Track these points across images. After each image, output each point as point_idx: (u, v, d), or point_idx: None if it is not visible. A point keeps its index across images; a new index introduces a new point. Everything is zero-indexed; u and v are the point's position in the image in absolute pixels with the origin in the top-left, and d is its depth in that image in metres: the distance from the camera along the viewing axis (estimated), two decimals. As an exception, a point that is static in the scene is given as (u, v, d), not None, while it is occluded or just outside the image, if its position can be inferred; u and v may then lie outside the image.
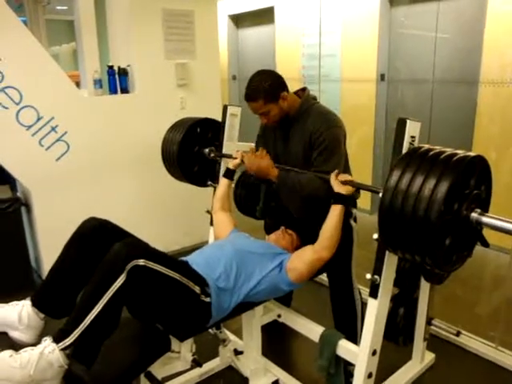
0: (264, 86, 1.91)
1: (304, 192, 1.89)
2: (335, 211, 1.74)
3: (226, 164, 2.36)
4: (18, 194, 3.08)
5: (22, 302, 1.56)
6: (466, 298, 2.85)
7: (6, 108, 2.70)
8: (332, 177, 1.76)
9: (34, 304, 1.55)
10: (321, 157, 1.89)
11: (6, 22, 2.64)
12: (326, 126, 1.91)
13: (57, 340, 1.31)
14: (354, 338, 1.93)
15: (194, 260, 1.73)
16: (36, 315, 1.54)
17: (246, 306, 1.78)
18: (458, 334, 2.27)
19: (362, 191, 1.97)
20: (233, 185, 2.51)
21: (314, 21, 4.57)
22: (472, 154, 1.30)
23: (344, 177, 1.76)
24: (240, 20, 5.94)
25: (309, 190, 1.88)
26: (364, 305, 1.84)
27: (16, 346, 1.42)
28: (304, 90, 2.07)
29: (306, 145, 1.95)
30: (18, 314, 1.51)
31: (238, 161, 2.16)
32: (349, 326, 2.08)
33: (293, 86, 2.06)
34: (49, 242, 2.92)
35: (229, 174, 2.21)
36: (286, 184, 1.92)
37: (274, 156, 2.12)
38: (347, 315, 2.13)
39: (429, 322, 2.11)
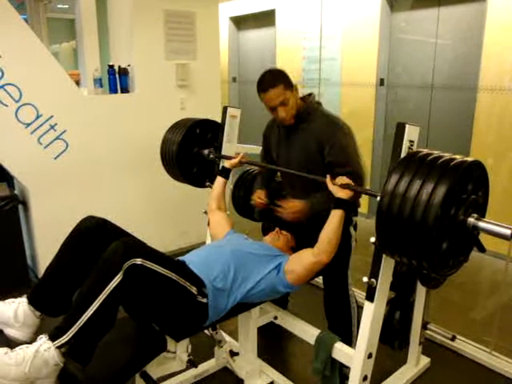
0: (281, 73, 1.95)
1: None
2: (335, 216, 1.72)
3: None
4: (16, 192, 3.07)
5: (19, 299, 1.55)
6: (462, 303, 2.85)
7: (6, 105, 2.70)
8: (328, 181, 1.74)
9: (30, 302, 1.54)
10: (338, 160, 1.90)
11: (8, 19, 2.64)
12: (334, 129, 1.93)
13: (52, 338, 1.31)
14: (348, 343, 1.93)
15: (191, 260, 1.74)
16: (32, 313, 1.53)
17: (243, 307, 1.78)
18: (453, 338, 2.27)
19: (360, 199, 1.98)
20: (231, 186, 2.52)
21: (315, 24, 4.59)
22: (470, 159, 1.31)
23: (341, 180, 1.74)
24: (241, 22, 5.95)
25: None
26: (360, 308, 1.85)
27: (11, 343, 1.41)
28: (310, 94, 2.08)
29: (312, 147, 1.95)
30: (14, 311, 1.51)
31: (236, 161, 2.17)
32: (343, 330, 2.08)
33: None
34: (45, 241, 2.92)
35: (224, 172, 2.22)
36: (321, 207, 1.91)
37: (276, 156, 2.14)
38: (341, 320, 2.13)
39: (424, 326, 2.12)
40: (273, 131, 2.18)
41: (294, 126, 2.03)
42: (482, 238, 1.37)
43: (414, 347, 2.13)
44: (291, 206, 1.97)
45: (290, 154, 2.04)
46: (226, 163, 2.23)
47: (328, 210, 1.76)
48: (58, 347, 1.30)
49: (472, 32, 3.51)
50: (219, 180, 2.22)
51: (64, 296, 1.58)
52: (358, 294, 2.46)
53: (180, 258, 1.78)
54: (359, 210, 2.12)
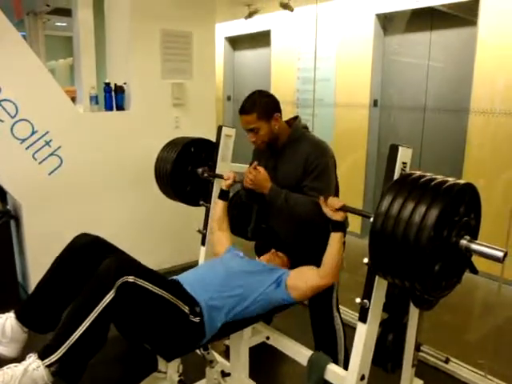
0: (261, 102, 1.95)
1: (292, 207, 1.89)
2: (336, 238, 1.73)
3: (219, 184, 2.37)
4: (8, 207, 3.05)
5: (6, 314, 1.54)
6: (455, 325, 2.85)
7: (2, 121, 2.70)
8: (322, 204, 1.73)
9: (18, 317, 1.52)
10: (312, 180, 1.91)
11: (6, 36, 2.67)
12: (319, 153, 1.94)
13: (42, 356, 1.29)
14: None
15: (185, 279, 1.73)
16: (20, 328, 1.52)
17: (236, 325, 1.77)
18: (446, 360, 2.26)
19: (349, 219, 1.98)
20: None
21: (310, 45, 4.67)
22: (462, 181, 1.32)
23: (333, 201, 1.72)
24: (237, 42, 6.04)
25: (298, 208, 1.88)
26: (353, 329, 1.83)
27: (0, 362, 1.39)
28: (296, 118, 2.09)
29: (299, 172, 1.94)
30: (2, 326, 1.49)
31: (230, 181, 2.17)
32: (328, 353, 2.05)
33: (287, 110, 2.08)
34: (37, 257, 2.89)
35: (224, 195, 2.22)
36: (279, 196, 1.91)
37: None
38: (327, 344, 2.11)
39: (417, 348, 2.10)
40: (261, 155, 2.17)
41: (280, 151, 2.03)
42: (475, 259, 1.38)
43: (407, 369, 2.11)
44: (255, 175, 1.96)
45: (276, 180, 2.00)
46: (223, 186, 2.23)
47: (319, 226, 1.76)
48: (48, 366, 1.28)
49: (463, 55, 3.60)
50: (219, 203, 2.22)
51: (53, 312, 1.57)
52: (351, 314, 2.45)
53: (174, 277, 1.77)
54: (353, 230, 2.12)
